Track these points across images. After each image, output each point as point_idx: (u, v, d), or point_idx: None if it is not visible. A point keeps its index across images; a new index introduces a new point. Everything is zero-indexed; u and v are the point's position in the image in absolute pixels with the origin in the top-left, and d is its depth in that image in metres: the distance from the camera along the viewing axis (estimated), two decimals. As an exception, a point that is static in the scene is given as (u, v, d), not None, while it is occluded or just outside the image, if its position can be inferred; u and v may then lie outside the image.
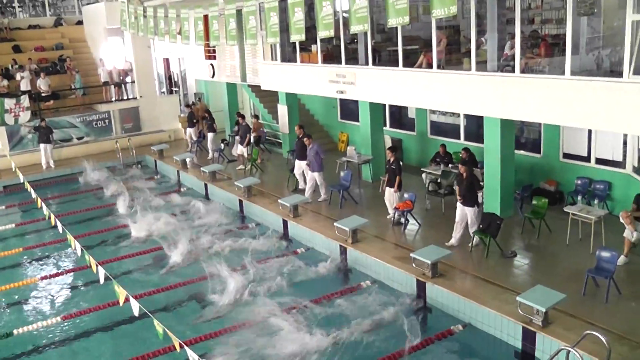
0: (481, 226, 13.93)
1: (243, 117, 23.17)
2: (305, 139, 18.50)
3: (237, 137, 23.41)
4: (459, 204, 14.23)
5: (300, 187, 19.24)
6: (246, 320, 12.19)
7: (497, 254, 13.53)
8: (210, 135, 25.01)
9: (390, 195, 16.25)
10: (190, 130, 26.89)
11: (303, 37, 15.69)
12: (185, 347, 7.94)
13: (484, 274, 12.71)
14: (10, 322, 13.13)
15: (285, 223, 17.12)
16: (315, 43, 18.94)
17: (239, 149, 22.93)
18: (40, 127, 25.27)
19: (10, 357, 11.78)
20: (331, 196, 18.05)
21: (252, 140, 22.85)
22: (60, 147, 27.02)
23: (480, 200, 16.24)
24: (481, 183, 15.82)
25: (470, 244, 14.00)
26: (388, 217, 16.26)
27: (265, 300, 12.96)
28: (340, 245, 14.98)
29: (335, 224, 15.30)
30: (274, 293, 13.35)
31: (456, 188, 14.59)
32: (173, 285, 14.18)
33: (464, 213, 14.15)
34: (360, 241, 14.93)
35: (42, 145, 25.41)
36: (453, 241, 14.24)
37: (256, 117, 25.01)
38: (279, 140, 25.27)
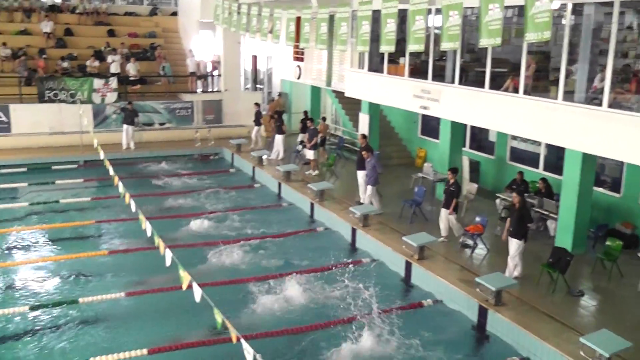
0: (550, 260, 13.60)
1: (312, 120, 23.14)
2: (364, 152, 18.32)
3: (299, 137, 23.49)
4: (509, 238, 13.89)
5: (361, 200, 19.07)
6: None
7: (563, 291, 13.18)
8: (277, 137, 24.91)
9: (445, 217, 16.08)
10: (255, 129, 27.01)
11: (393, 49, 15.69)
12: (242, 340, 7.98)
13: (548, 309, 12.39)
14: (77, 290, 13.64)
15: (354, 231, 17.08)
16: (404, 56, 18.89)
17: (307, 153, 22.94)
18: (127, 109, 26.07)
19: (74, 322, 12.22)
20: (402, 210, 17.93)
21: (318, 142, 22.85)
22: (142, 130, 27.77)
23: (552, 233, 15.91)
24: (552, 214, 15.49)
25: (538, 278, 13.68)
26: (439, 239, 15.95)
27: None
28: (406, 260, 14.88)
29: (403, 238, 15.21)
30: (332, 301, 13.40)
31: (507, 221, 14.19)
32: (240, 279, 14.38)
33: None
34: (426, 258, 14.79)
35: (125, 127, 26.20)
36: (516, 273, 13.90)
37: (323, 119, 25.10)
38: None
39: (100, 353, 10.93)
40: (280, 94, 30.66)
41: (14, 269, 14.87)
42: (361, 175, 18.74)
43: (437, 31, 16.88)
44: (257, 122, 26.91)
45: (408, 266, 14.80)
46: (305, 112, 25.88)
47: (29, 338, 11.66)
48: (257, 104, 27.28)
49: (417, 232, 15.51)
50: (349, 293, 13.51)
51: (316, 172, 22.42)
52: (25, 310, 12.60)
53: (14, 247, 16.27)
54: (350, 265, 14.93)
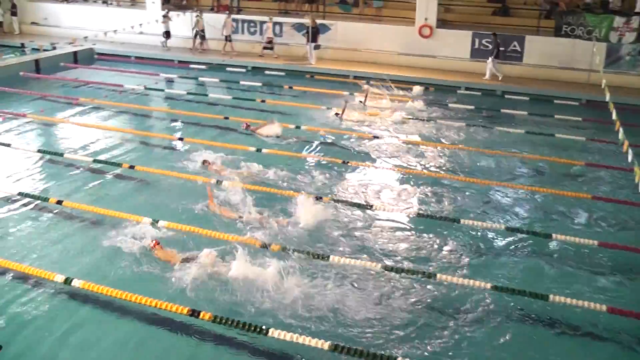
0: None
1: None
2: None
3: None
4: None
5: None
6: None
7: None
8: None
9: None
10: None
11: None
12: None
13: None
14: (550, 225, 13.64)
15: None
16: None
17: None
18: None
19: (536, 254, 12.29)
20: None
21: None
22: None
23: None
24: None
25: None
26: None
27: None
28: None
29: None
30: None
31: None
32: None
33: None
34: None
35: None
36: None
37: None
38: None
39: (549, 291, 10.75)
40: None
41: (489, 187, 15.67)
42: None
43: None
44: None
45: None
46: None
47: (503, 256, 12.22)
48: None
49: None
50: None
51: None
52: (501, 229, 13.19)
53: (492, 168, 17.16)
54: None
